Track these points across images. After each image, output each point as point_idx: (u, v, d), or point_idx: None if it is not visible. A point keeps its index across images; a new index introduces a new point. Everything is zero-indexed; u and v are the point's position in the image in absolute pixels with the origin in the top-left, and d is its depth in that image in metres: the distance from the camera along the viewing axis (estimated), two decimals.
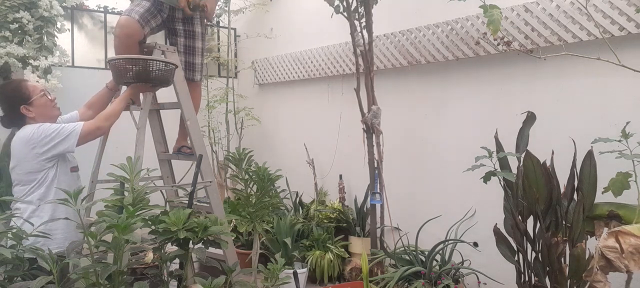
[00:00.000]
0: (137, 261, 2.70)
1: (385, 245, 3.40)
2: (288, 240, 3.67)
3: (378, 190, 3.28)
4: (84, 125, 2.32)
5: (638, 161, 1.93)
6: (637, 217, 1.93)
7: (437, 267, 2.89)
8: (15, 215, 2.15)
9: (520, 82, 2.95)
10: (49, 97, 2.44)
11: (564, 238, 2.09)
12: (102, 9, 4.39)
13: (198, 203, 3.03)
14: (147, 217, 1.74)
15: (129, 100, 2.61)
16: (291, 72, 4.53)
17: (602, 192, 2.07)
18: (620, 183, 1.99)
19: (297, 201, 4.25)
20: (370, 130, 3.26)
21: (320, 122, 4.29)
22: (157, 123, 3.22)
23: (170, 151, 3.22)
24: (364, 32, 3.22)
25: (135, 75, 2.52)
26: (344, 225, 3.84)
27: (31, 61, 3.57)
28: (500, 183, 2.24)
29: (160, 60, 2.60)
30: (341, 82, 4.09)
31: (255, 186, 3.20)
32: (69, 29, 4.11)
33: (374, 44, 3.33)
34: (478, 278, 2.93)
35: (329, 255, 3.62)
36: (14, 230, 1.86)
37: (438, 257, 2.99)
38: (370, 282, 2.84)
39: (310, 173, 4.22)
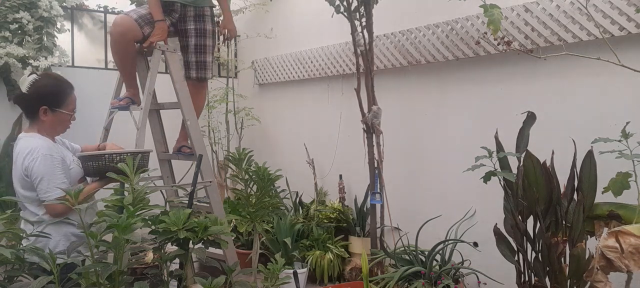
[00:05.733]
0: (137, 261, 2.70)
1: (385, 245, 3.40)
2: (288, 240, 3.67)
3: (378, 190, 3.28)
4: (55, 207, 2.14)
5: (638, 161, 1.93)
6: (637, 217, 1.93)
7: (437, 267, 2.89)
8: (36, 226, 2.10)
9: (520, 82, 2.95)
10: (74, 117, 2.34)
11: (564, 238, 2.09)
12: (102, 9, 4.38)
13: (198, 203, 3.04)
14: (147, 217, 1.74)
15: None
16: (291, 72, 4.53)
17: (602, 192, 2.07)
18: (620, 183, 1.99)
19: (297, 201, 4.25)
20: (371, 130, 3.26)
21: (320, 122, 4.29)
22: (157, 123, 3.22)
23: (170, 151, 3.22)
24: (365, 32, 3.22)
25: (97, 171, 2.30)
26: (344, 225, 3.84)
27: (31, 61, 3.57)
28: (500, 183, 2.24)
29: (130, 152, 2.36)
30: (341, 82, 4.09)
31: (255, 186, 3.20)
32: (69, 29, 4.10)
33: (374, 44, 3.33)
34: (478, 278, 2.94)
35: (329, 255, 3.62)
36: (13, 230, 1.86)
37: (438, 257, 2.99)
38: (370, 282, 2.84)
39: (310, 173, 4.22)
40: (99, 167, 2.29)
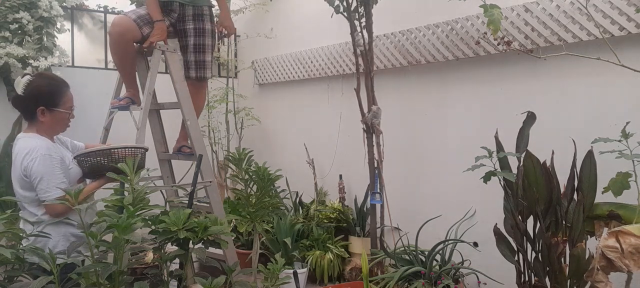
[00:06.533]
0: (137, 261, 2.70)
1: (385, 245, 3.40)
2: (288, 240, 3.67)
3: (378, 190, 3.28)
4: (55, 207, 2.14)
5: (638, 161, 1.93)
6: (637, 217, 1.93)
7: (437, 267, 2.89)
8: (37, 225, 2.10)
9: (520, 82, 2.95)
10: (72, 114, 2.34)
11: (564, 238, 2.09)
12: (102, 9, 4.39)
13: (198, 203, 3.04)
14: (147, 217, 1.74)
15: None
16: (291, 72, 4.53)
17: (602, 192, 2.07)
18: (620, 183, 1.99)
19: (297, 201, 4.25)
20: (370, 130, 3.26)
21: (320, 122, 4.29)
22: (157, 123, 3.22)
23: (170, 151, 3.22)
24: (364, 32, 3.22)
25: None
26: (344, 225, 3.84)
27: (31, 61, 3.57)
28: (500, 183, 2.24)
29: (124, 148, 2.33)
30: (341, 82, 4.09)
31: (255, 186, 3.20)
32: (68, 29, 4.10)
33: (374, 44, 3.33)
34: (478, 278, 2.94)
35: (329, 255, 3.62)
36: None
37: (438, 257, 2.99)
38: (370, 282, 2.84)
39: (310, 173, 4.22)
40: (91, 165, 2.28)
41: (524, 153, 2.19)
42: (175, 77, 2.90)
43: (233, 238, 3.66)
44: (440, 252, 2.98)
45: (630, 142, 2.01)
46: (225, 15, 3.23)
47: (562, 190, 2.18)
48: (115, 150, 2.30)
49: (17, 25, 3.59)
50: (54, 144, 2.28)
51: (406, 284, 2.78)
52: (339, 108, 4.08)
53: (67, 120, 2.32)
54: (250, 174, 3.15)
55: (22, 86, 2.19)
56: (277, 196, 4.01)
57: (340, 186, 3.99)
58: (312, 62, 4.28)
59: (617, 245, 1.81)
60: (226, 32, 3.23)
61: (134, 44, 2.95)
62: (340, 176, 4.02)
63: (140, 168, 2.32)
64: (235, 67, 5.08)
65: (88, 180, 2.39)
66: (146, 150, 2.48)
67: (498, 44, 2.58)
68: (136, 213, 1.63)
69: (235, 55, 5.16)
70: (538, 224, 2.18)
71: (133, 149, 2.35)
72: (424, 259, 2.97)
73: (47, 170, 2.14)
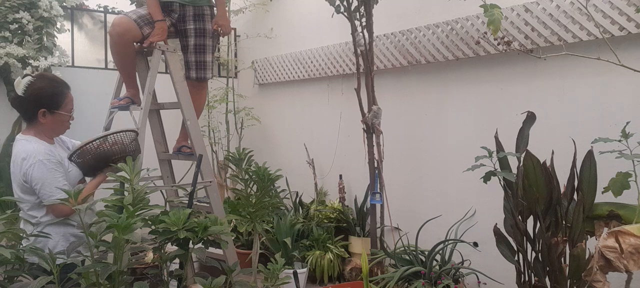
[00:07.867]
0: (137, 261, 2.70)
1: (385, 245, 3.40)
2: (288, 240, 3.67)
3: (378, 190, 3.28)
4: (61, 209, 2.14)
5: (638, 161, 1.93)
6: (637, 217, 1.93)
7: (437, 267, 2.89)
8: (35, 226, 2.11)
9: (520, 82, 2.95)
10: (72, 116, 2.33)
11: (564, 238, 2.09)
12: (102, 9, 4.39)
13: (198, 203, 3.04)
14: (147, 217, 1.73)
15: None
16: (291, 72, 4.53)
17: (602, 192, 2.07)
18: (620, 183, 1.99)
19: (297, 201, 4.25)
20: (371, 130, 3.26)
21: (320, 122, 4.29)
22: (157, 123, 3.22)
23: (170, 151, 3.22)
24: (365, 32, 3.22)
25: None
26: (344, 225, 3.84)
27: (31, 61, 3.57)
28: (500, 183, 2.24)
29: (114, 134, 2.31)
30: (341, 82, 4.09)
31: (255, 186, 3.20)
32: (68, 29, 4.11)
33: (374, 44, 3.34)
34: (478, 278, 2.94)
35: (329, 255, 3.62)
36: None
37: (438, 257, 2.99)
38: (370, 282, 2.84)
39: (310, 173, 4.22)
40: (84, 162, 2.26)
41: (524, 153, 2.19)
42: (175, 77, 2.90)
43: (233, 238, 3.66)
44: (440, 252, 2.98)
45: (630, 142, 2.01)
46: (222, 14, 3.22)
47: (562, 190, 2.18)
48: (108, 137, 2.27)
49: (17, 25, 3.59)
50: (53, 146, 2.26)
51: (406, 284, 2.78)
52: (339, 108, 4.08)
53: (67, 122, 2.30)
54: (250, 174, 3.15)
55: (22, 87, 2.17)
56: (277, 196, 4.00)
57: (340, 186, 3.99)
58: (312, 62, 4.28)
59: (616, 245, 1.81)
60: (222, 31, 3.21)
61: (134, 43, 2.95)
62: (340, 176, 4.02)
63: (137, 153, 2.33)
64: (235, 67, 5.08)
65: (88, 180, 2.39)
66: (136, 133, 2.45)
67: (498, 44, 2.58)
68: (136, 213, 1.63)
69: (235, 55, 5.16)
70: (538, 224, 2.18)
71: (123, 134, 2.31)
72: (424, 259, 2.97)
73: (47, 174, 2.13)
